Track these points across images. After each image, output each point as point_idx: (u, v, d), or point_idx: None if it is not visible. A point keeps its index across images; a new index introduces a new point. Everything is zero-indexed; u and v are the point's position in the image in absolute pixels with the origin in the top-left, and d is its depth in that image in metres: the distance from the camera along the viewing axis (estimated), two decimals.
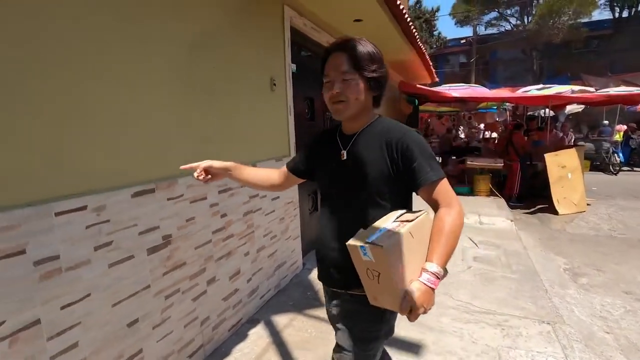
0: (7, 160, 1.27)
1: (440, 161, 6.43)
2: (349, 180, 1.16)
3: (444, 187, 1.09)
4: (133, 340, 1.74)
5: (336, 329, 1.25)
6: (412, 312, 0.95)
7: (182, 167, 1.38)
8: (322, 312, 2.71)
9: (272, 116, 3.02)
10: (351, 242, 1.01)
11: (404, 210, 1.13)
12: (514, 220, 5.12)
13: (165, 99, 1.91)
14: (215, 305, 2.31)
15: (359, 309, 1.16)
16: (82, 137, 1.51)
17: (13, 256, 1.28)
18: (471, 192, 6.58)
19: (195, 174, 1.35)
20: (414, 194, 1.20)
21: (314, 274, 3.45)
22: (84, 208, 1.51)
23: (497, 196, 6.34)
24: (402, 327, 2.24)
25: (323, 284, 1.31)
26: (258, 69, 2.80)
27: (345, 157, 1.18)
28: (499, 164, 6.52)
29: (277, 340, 2.39)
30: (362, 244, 0.97)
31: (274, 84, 2.99)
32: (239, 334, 2.46)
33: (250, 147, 2.70)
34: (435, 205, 1.10)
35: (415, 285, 0.97)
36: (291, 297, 3.01)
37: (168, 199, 1.93)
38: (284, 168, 1.44)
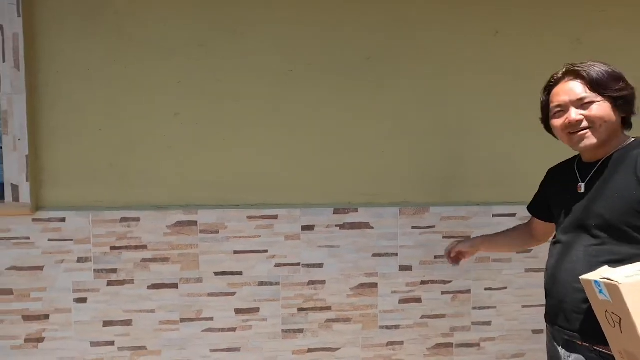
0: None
1: None
2: (589, 214, 1.06)
3: None
4: (537, 347, 1.85)
5: None
6: None
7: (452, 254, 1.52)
8: None
9: None
10: (585, 276, 0.94)
11: None
12: None
13: None
14: None
15: None
16: None
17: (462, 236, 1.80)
18: None
19: (448, 259, 1.53)
20: None
21: None
22: (513, 215, 1.81)
23: None
24: None
25: (553, 328, 1.18)
26: None
27: (582, 190, 1.10)
28: None
29: None
30: (596, 279, 0.90)
31: None
32: None
33: None
34: None
35: None
36: None
37: None
38: (530, 216, 1.39)
